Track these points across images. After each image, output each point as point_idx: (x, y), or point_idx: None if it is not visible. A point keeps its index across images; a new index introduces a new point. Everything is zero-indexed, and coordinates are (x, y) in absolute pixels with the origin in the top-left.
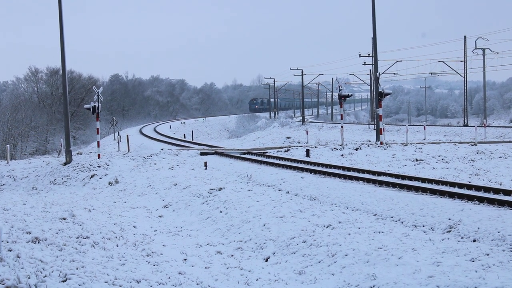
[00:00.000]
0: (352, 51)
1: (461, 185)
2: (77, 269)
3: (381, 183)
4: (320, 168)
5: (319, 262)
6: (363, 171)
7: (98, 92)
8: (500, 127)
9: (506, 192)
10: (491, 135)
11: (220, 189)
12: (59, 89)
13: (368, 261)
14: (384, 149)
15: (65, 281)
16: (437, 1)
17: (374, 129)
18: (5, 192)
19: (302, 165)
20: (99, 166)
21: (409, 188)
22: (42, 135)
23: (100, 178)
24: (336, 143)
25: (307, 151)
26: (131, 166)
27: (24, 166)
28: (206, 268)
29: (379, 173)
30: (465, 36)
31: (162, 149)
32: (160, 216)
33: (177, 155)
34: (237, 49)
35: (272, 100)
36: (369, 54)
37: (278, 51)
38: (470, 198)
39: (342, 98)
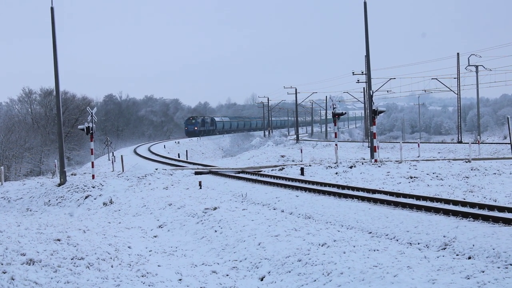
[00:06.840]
0: (345, 69)
1: (455, 202)
2: None
3: (375, 200)
4: (314, 187)
5: (315, 280)
6: (358, 189)
7: (92, 113)
8: (494, 143)
9: (501, 209)
10: (485, 152)
11: (215, 208)
12: (53, 110)
13: (364, 279)
14: (379, 166)
15: None
16: (430, 19)
17: (368, 147)
18: None
19: (297, 184)
20: (93, 187)
21: (404, 205)
22: (36, 156)
23: (95, 199)
24: (331, 161)
25: (302, 169)
26: (126, 186)
27: (18, 187)
28: None
29: (374, 191)
30: (458, 53)
31: (156, 169)
32: (155, 236)
33: (171, 174)
34: (231, 69)
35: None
36: (362, 72)
37: (272, 70)
38: (465, 215)
39: (336, 116)
